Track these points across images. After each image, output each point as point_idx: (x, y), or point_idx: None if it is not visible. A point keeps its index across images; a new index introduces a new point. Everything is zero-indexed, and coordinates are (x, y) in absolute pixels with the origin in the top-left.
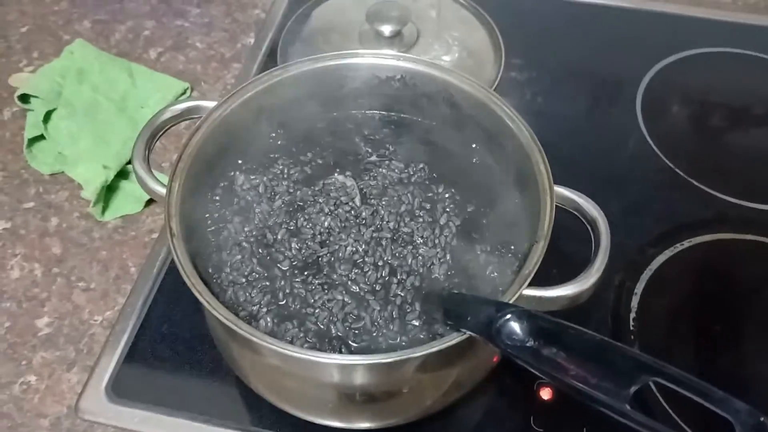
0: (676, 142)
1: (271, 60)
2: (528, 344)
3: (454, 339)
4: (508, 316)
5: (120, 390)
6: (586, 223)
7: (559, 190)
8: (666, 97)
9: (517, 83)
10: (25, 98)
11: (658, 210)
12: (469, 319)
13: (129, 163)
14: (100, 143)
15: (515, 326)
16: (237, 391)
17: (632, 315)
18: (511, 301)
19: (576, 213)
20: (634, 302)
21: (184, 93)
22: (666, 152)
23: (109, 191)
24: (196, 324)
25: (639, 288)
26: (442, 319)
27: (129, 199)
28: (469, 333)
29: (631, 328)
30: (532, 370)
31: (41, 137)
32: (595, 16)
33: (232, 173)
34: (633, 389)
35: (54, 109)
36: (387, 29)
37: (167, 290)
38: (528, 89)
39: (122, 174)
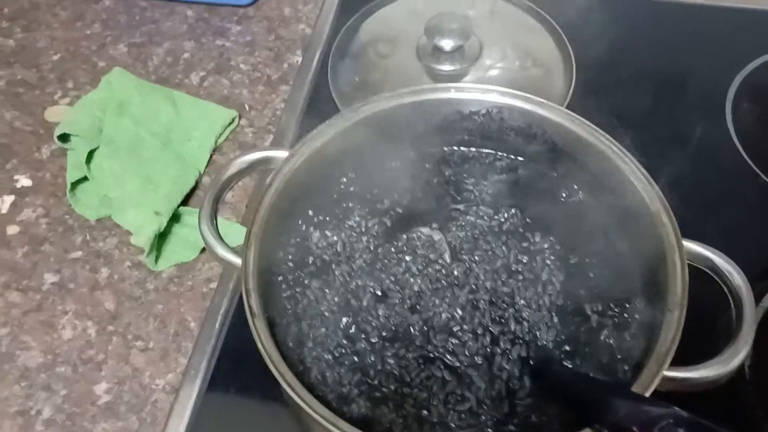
0: None
1: (321, 80)
2: None
3: None
4: (665, 422)
5: None
6: (723, 286)
7: (690, 245)
8: (759, 104)
9: (590, 94)
10: (64, 137)
11: (761, 236)
12: (608, 416)
13: (181, 206)
14: (148, 184)
15: None
16: None
17: (747, 362)
18: (653, 387)
19: (709, 271)
20: None
21: (231, 122)
22: (764, 167)
23: (160, 238)
24: (266, 385)
25: None
26: (560, 401)
27: (183, 245)
28: None
29: (747, 376)
30: None
31: (84, 179)
32: (672, 15)
33: (304, 227)
34: None
35: (96, 148)
36: (448, 44)
37: (231, 347)
38: (602, 101)
39: (174, 218)
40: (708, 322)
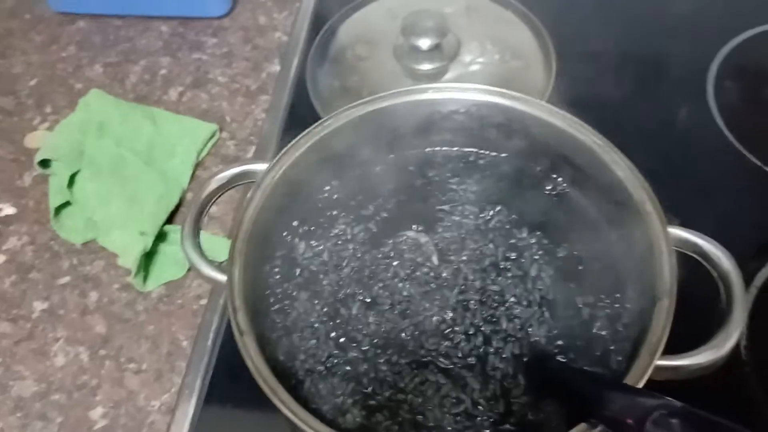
0: (761, 135)
1: (301, 87)
2: None
3: None
4: (658, 413)
5: None
6: (713, 271)
7: (676, 232)
8: (741, 83)
9: (571, 83)
10: (45, 162)
11: (752, 217)
12: (603, 410)
13: (166, 223)
14: (133, 205)
15: (669, 427)
16: None
17: (743, 342)
18: (646, 377)
19: (697, 257)
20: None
21: (213, 136)
22: (750, 148)
23: (147, 257)
24: (262, 399)
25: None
26: (555, 397)
27: (170, 263)
28: (602, 427)
29: (743, 357)
30: None
31: (67, 203)
32: None
33: (289, 238)
34: None
35: (78, 171)
36: (425, 43)
37: (225, 363)
38: (583, 89)
39: (160, 236)
40: (700, 308)
